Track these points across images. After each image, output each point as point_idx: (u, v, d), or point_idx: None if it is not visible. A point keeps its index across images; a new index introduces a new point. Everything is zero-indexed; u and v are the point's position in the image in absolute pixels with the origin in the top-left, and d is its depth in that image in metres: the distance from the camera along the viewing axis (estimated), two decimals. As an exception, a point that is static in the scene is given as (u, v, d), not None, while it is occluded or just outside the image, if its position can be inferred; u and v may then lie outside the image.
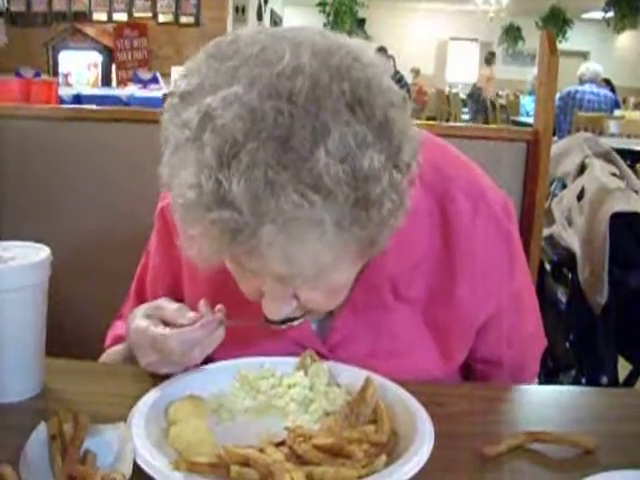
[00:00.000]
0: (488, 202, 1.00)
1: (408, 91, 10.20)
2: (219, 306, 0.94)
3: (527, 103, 9.92)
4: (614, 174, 2.03)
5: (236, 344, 0.98)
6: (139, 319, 0.97)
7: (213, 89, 0.73)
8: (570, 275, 2.02)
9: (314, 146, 0.70)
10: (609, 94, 7.44)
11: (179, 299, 1.07)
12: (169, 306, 0.97)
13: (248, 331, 0.98)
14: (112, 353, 1.12)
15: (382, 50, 10.40)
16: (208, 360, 0.97)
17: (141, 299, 1.15)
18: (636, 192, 1.94)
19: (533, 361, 1.18)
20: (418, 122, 1.14)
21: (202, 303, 0.95)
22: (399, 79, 10.45)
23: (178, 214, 0.77)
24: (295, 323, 0.93)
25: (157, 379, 0.93)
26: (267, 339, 1.00)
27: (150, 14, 9.16)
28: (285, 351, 1.00)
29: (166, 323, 0.95)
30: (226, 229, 0.72)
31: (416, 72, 13.15)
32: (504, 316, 1.05)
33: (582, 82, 7.21)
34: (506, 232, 1.02)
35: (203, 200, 0.71)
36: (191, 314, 0.93)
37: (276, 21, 12.20)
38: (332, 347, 1.01)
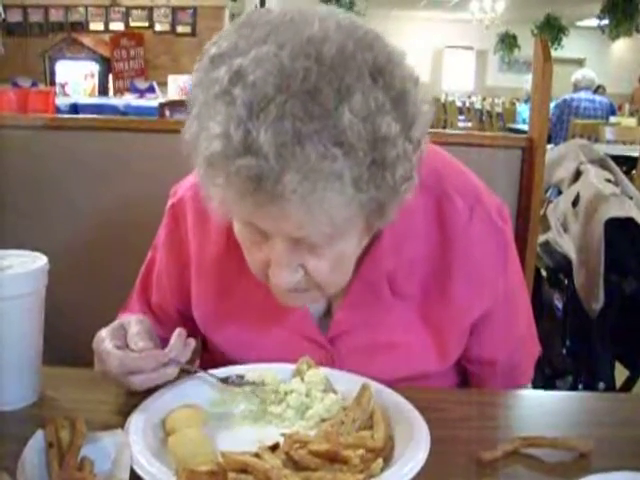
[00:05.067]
0: (484, 204, 1.03)
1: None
2: (191, 341, 0.95)
3: (523, 111, 9.95)
4: (609, 180, 2.03)
5: (240, 333, 1.04)
6: (105, 329, 0.97)
7: (244, 51, 0.76)
8: (566, 281, 2.03)
9: (339, 103, 0.74)
10: (605, 100, 7.46)
11: (185, 294, 1.10)
12: (134, 327, 0.96)
13: (253, 320, 1.03)
14: None
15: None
16: (210, 361, 0.99)
17: (146, 293, 1.18)
18: (631, 198, 1.95)
19: (527, 366, 1.19)
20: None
21: (175, 334, 0.95)
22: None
23: (202, 168, 0.80)
24: None
25: (154, 386, 0.93)
26: (270, 330, 1.04)
27: (147, 24, 9.19)
28: (287, 342, 1.04)
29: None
30: (251, 176, 0.74)
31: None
32: (497, 314, 1.07)
33: (577, 89, 7.23)
34: (501, 233, 1.05)
35: (230, 148, 0.74)
36: (142, 343, 0.93)
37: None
38: (332, 339, 1.04)
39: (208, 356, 1.17)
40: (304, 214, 0.78)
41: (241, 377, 0.96)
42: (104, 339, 0.95)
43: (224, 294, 1.06)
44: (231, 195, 0.78)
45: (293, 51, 0.75)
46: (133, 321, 0.97)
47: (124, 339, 0.95)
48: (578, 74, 7.33)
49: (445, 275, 1.02)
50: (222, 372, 0.98)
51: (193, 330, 1.12)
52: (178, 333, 0.95)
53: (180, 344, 0.94)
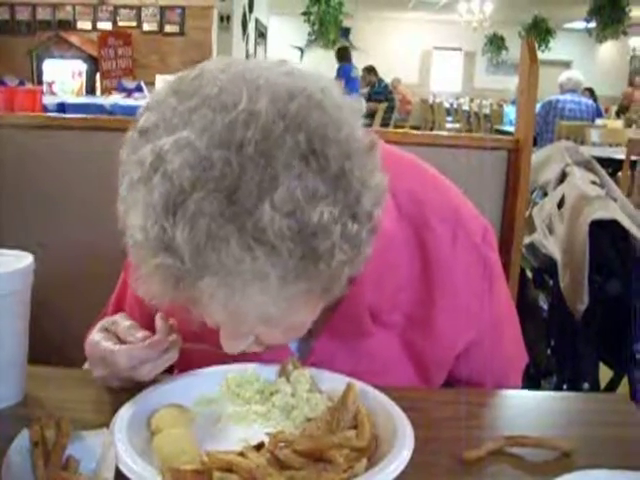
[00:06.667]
0: (467, 230, 1.00)
1: (393, 100, 10.25)
2: (172, 321, 0.94)
3: (510, 112, 9.98)
4: (594, 182, 2.05)
5: (214, 361, 0.98)
6: (94, 332, 0.97)
7: (168, 130, 0.72)
8: (551, 282, 2.04)
9: (259, 200, 0.69)
10: (590, 103, 7.49)
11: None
12: (123, 322, 0.96)
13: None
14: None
15: (371, 70, 10.47)
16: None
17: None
18: (615, 200, 1.96)
19: (514, 378, 1.18)
20: (402, 131, 1.15)
21: (158, 318, 0.94)
22: (384, 87, 10.52)
23: (130, 252, 0.77)
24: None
25: (140, 386, 0.93)
26: (246, 358, 0.99)
27: (135, 23, 9.18)
28: None
29: (120, 339, 0.94)
30: (169, 275, 0.72)
31: (398, 81, 13.20)
32: (484, 343, 1.05)
33: (563, 91, 7.26)
34: (485, 260, 1.02)
35: (149, 243, 0.71)
36: (140, 333, 0.93)
37: (261, 30, 12.22)
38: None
39: None
40: (227, 317, 0.77)
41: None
42: (99, 342, 0.94)
43: (191, 319, 1.02)
44: (154, 288, 0.75)
45: (212, 139, 0.69)
46: (118, 318, 0.97)
47: (115, 338, 0.95)
48: (563, 76, 7.34)
49: (428, 305, 0.99)
50: (206, 372, 0.99)
51: None
52: (160, 316, 0.94)
53: (167, 327, 0.93)
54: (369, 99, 9.90)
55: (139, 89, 7.56)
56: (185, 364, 0.99)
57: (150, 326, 0.99)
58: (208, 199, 0.68)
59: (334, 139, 0.73)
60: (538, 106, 6.66)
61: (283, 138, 0.70)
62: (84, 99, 7.40)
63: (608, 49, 16.74)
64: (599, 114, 7.75)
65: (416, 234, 0.98)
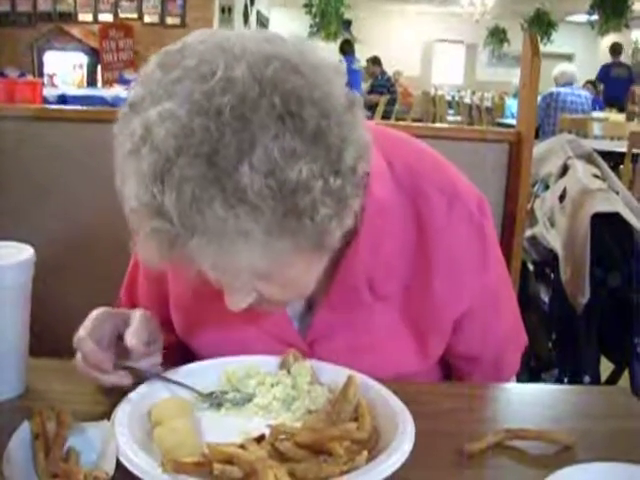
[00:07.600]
0: (462, 199, 1.02)
1: (395, 93, 10.22)
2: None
3: (512, 105, 9.95)
4: (596, 175, 2.04)
5: (217, 336, 1.01)
6: (101, 310, 0.98)
7: (153, 102, 0.76)
8: (552, 275, 2.04)
9: (238, 162, 0.73)
10: (589, 95, 7.47)
11: (164, 300, 1.09)
12: (133, 324, 0.96)
13: (231, 325, 1.00)
14: None
15: (375, 61, 10.45)
16: (190, 356, 0.99)
17: (132, 294, 1.18)
18: (617, 193, 1.96)
19: (512, 359, 1.19)
20: (403, 123, 1.15)
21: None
22: (386, 79, 10.51)
23: (128, 219, 0.80)
24: None
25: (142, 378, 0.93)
26: (249, 335, 1.02)
27: (136, 15, 9.14)
28: (267, 347, 1.01)
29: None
30: (163, 238, 0.76)
31: (399, 74, 13.16)
32: (480, 310, 1.06)
33: (558, 85, 7.23)
34: (479, 227, 1.03)
35: (142, 210, 0.76)
36: (129, 342, 0.92)
37: (262, 22, 12.19)
38: (311, 343, 1.03)
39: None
40: (220, 273, 0.82)
41: (225, 392, 0.95)
42: (85, 326, 0.95)
43: (201, 299, 1.02)
44: (152, 251, 0.79)
45: (192, 108, 0.73)
46: (137, 317, 0.97)
47: (118, 328, 0.96)
48: (556, 70, 7.29)
49: (425, 273, 1.01)
50: (206, 365, 0.99)
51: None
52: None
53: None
54: (371, 91, 9.90)
55: (140, 81, 7.53)
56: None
57: (159, 304, 1.06)
58: (191, 165, 0.73)
59: (309, 99, 0.76)
60: (539, 98, 6.64)
61: (259, 102, 0.74)
62: (85, 91, 7.39)
63: (610, 42, 16.68)
64: (600, 107, 7.72)
65: (412, 203, 1.00)
